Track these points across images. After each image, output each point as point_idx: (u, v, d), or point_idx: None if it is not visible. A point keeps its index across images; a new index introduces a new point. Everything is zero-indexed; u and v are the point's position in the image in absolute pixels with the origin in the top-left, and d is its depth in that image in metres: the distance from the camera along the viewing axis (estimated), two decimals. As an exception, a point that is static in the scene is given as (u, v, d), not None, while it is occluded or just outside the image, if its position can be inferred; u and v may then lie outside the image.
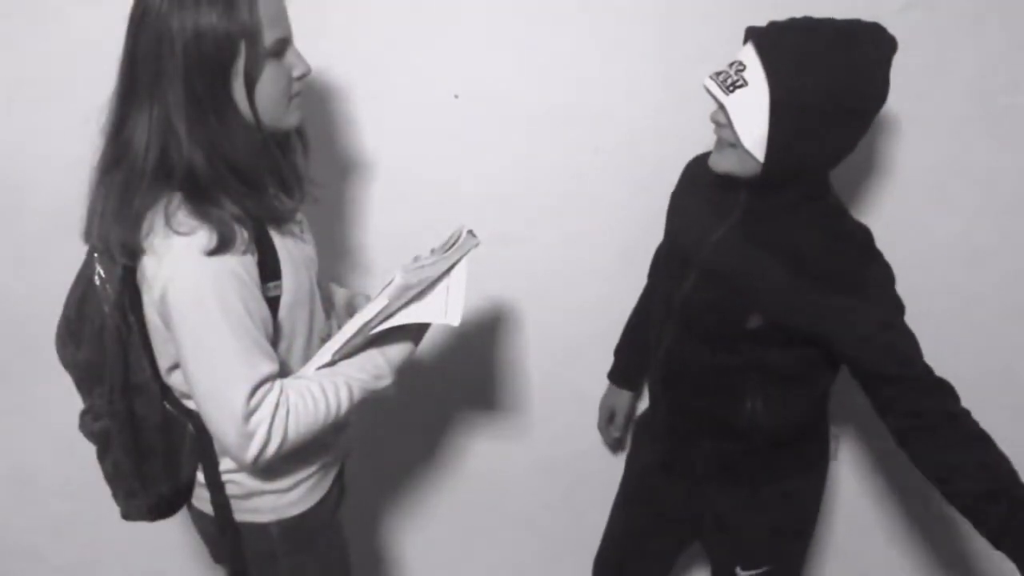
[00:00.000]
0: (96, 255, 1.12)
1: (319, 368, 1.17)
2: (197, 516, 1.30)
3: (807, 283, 1.18)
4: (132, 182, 1.04)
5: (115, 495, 1.25)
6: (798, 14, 1.52)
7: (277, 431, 1.07)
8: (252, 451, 1.06)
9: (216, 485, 1.21)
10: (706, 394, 1.34)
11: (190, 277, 1.02)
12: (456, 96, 1.56)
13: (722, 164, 1.20)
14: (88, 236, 1.11)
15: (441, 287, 1.17)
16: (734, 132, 1.14)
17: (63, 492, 1.86)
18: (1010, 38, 1.53)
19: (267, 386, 1.07)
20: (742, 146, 1.15)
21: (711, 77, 1.16)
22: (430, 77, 1.56)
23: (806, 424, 1.37)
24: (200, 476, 1.23)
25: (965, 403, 1.18)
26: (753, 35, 1.16)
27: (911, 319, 1.21)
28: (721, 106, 1.16)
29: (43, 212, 1.62)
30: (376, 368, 1.18)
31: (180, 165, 1.03)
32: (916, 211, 1.66)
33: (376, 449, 1.84)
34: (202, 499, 1.26)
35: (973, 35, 1.53)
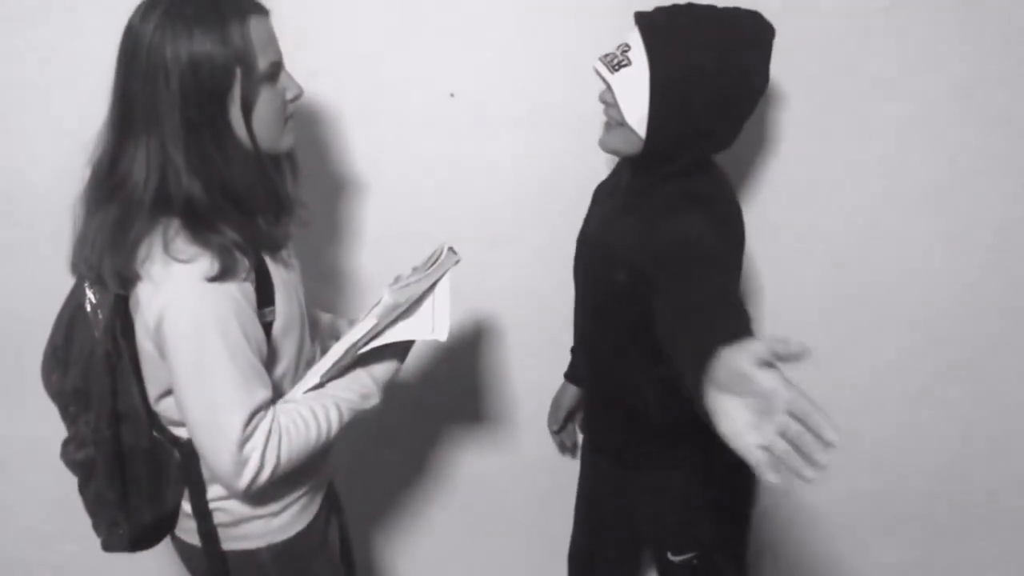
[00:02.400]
0: (87, 282, 1.09)
1: (307, 391, 1.17)
2: (181, 547, 1.27)
3: (653, 228, 1.20)
4: (129, 213, 1.02)
5: (96, 526, 1.21)
6: (791, 13, 1.55)
7: (270, 457, 1.06)
8: (246, 478, 1.05)
9: (203, 514, 1.18)
10: (609, 378, 1.39)
11: (190, 304, 1.01)
12: (452, 95, 1.56)
13: (610, 143, 1.25)
14: (76, 266, 1.09)
15: (427, 304, 1.18)
16: (619, 110, 1.19)
17: (49, 507, 1.81)
18: (994, 35, 1.55)
19: (262, 413, 1.06)
20: (627, 124, 1.19)
21: (599, 59, 1.21)
22: (422, 78, 1.55)
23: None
24: (186, 506, 1.20)
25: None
26: (638, 18, 1.21)
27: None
28: (608, 86, 1.20)
29: (28, 226, 1.59)
30: (364, 387, 1.19)
31: (179, 195, 1.02)
32: (908, 210, 1.67)
33: (364, 461, 1.81)
34: (187, 530, 1.22)
35: (958, 33, 1.55)
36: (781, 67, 1.56)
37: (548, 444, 1.81)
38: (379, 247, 1.66)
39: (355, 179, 1.61)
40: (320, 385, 1.16)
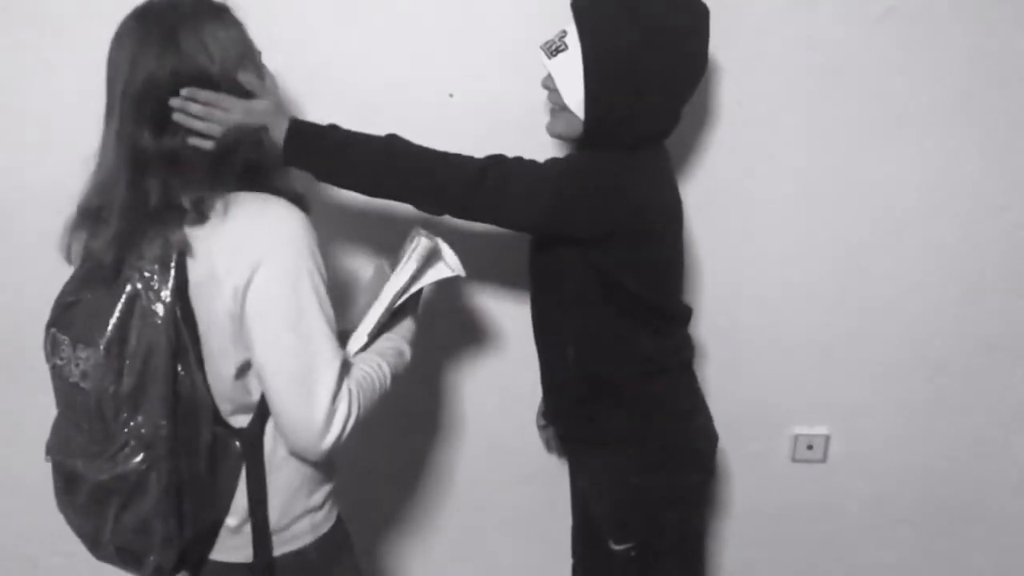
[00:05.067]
0: (135, 276, 1.05)
1: (357, 352, 1.21)
2: (215, 570, 1.21)
3: None
4: (171, 215, 1.05)
5: (140, 559, 1.12)
6: (793, 20, 1.56)
7: (354, 408, 1.09)
8: (334, 431, 1.06)
9: (260, 502, 1.15)
10: (546, 351, 1.44)
11: (289, 249, 1.05)
12: (451, 95, 1.57)
13: (554, 128, 1.31)
14: (117, 264, 1.06)
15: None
16: (560, 95, 1.24)
17: (51, 507, 1.80)
18: (992, 40, 1.57)
19: (345, 363, 1.11)
20: (568, 108, 1.24)
21: (540, 46, 1.26)
22: (421, 79, 1.56)
23: (629, 383, 1.37)
24: (230, 520, 1.16)
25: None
26: (573, 3, 1.25)
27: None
28: (548, 72, 1.25)
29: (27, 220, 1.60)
30: (395, 344, 1.24)
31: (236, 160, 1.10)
32: (903, 212, 1.69)
33: (364, 465, 1.81)
34: (228, 547, 1.18)
35: (955, 38, 1.57)
36: (782, 71, 1.58)
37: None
38: (376, 249, 1.67)
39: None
40: (368, 344, 1.22)
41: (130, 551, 1.14)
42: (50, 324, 1.12)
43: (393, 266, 1.27)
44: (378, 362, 1.18)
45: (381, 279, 1.26)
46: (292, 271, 1.05)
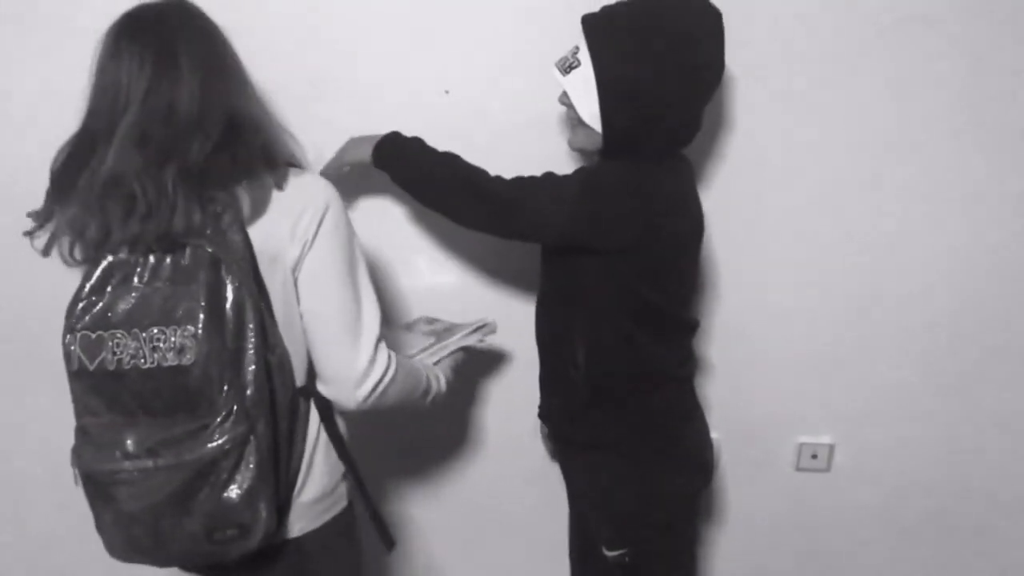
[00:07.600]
0: (205, 240, 1.05)
1: None
2: (297, 546, 1.20)
3: None
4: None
5: (247, 529, 1.07)
6: (803, 30, 1.55)
7: (392, 364, 1.15)
8: (373, 377, 1.12)
9: (343, 447, 1.23)
10: (551, 345, 1.44)
11: (340, 206, 1.13)
12: (447, 92, 1.57)
13: (575, 142, 1.33)
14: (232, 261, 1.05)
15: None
16: (576, 110, 1.25)
17: (53, 505, 1.82)
18: (1003, 50, 1.56)
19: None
20: (585, 122, 1.25)
21: (555, 63, 1.27)
22: (416, 76, 1.57)
23: (632, 389, 1.37)
24: (307, 491, 1.18)
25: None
26: (583, 20, 1.26)
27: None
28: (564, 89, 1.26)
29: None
30: (435, 370, 1.34)
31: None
32: (907, 223, 1.68)
33: (366, 463, 1.81)
34: (291, 519, 1.18)
35: (966, 47, 1.57)
36: (790, 81, 1.58)
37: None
38: (376, 247, 1.67)
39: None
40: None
41: (230, 527, 1.08)
42: (75, 328, 1.05)
43: (440, 330, 1.47)
44: (417, 366, 1.26)
45: (419, 336, 1.46)
46: (346, 227, 1.13)
